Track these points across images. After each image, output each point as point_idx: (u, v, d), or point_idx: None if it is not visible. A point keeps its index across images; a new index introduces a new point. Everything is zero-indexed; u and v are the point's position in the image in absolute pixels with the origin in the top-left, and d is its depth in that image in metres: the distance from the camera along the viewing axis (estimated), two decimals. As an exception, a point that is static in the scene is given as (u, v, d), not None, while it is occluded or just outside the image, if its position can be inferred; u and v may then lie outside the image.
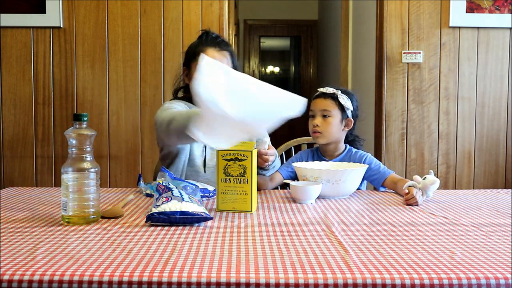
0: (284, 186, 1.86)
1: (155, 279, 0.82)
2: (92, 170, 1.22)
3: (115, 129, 2.95)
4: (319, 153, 1.91)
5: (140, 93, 2.94)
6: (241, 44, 7.31)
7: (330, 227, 1.19)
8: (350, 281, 0.82)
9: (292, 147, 2.32)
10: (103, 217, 1.27)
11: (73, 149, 1.22)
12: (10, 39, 2.90)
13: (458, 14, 2.97)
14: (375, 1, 3.17)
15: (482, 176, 3.08)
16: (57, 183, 2.93)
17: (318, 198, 1.56)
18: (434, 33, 3.00)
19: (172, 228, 1.16)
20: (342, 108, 1.83)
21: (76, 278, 0.83)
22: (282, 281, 0.82)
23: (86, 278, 0.83)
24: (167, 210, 1.18)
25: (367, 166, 1.69)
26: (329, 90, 1.84)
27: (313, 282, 0.82)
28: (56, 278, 0.83)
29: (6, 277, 0.83)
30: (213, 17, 2.91)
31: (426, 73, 3.02)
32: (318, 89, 1.89)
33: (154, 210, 1.20)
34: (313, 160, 1.86)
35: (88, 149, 1.23)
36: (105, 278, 0.82)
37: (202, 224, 1.21)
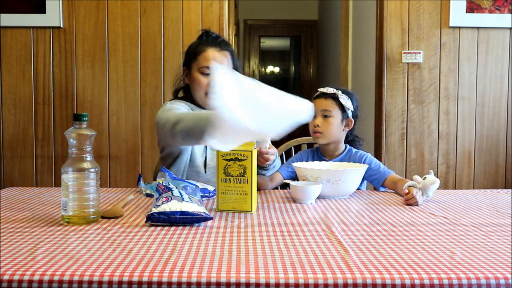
0: (284, 186, 1.86)
1: (155, 279, 0.82)
2: (92, 170, 1.22)
3: (115, 129, 2.95)
4: (319, 153, 1.91)
5: (140, 93, 2.94)
6: (241, 44, 7.31)
7: (330, 227, 1.19)
8: (350, 281, 0.82)
9: (292, 147, 2.32)
10: (103, 217, 1.27)
11: (73, 149, 1.22)
12: (10, 39, 2.90)
13: (458, 14, 2.97)
14: (375, 1, 3.17)
15: (482, 176, 3.08)
16: (57, 183, 2.93)
17: (318, 198, 1.56)
18: (434, 33, 3.00)
19: (172, 228, 1.16)
20: (342, 108, 1.83)
21: (76, 278, 0.83)
22: (282, 281, 0.82)
23: (86, 278, 0.83)
24: (167, 210, 1.18)
25: (367, 166, 1.69)
26: (330, 90, 1.84)
27: (313, 282, 0.82)
28: (56, 278, 0.83)
29: (6, 277, 0.83)
30: (213, 17, 2.91)
31: (426, 73, 3.02)
32: (319, 89, 1.89)
33: (154, 210, 1.20)
34: (313, 160, 1.86)
35: (88, 149, 1.23)
36: (105, 278, 0.82)
37: (202, 224, 1.21)
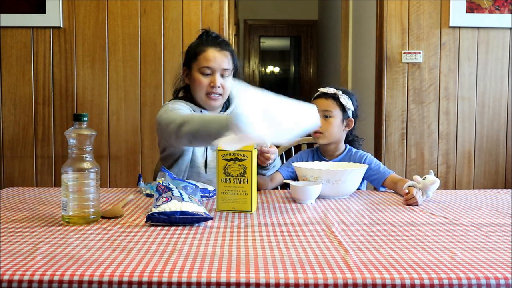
0: (284, 186, 1.86)
1: (155, 279, 0.82)
2: (92, 170, 1.22)
3: (115, 129, 2.95)
4: (319, 153, 1.91)
5: (140, 93, 2.94)
6: (241, 44, 7.31)
7: (330, 227, 1.19)
8: (350, 281, 0.82)
9: (292, 147, 2.32)
10: (103, 217, 1.27)
11: (73, 149, 1.22)
12: (10, 39, 2.90)
13: (458, 14, 2.97)
14: (375, 1, 3.17)
15: (482, 176, 3.08)
16: (57, 183, 2.93)
17: (318, 198, 1.56)
18: (434, 33, 3.00)
19: (172, 228, 1.16)
20: (343, 108, 1.83)
21: (76, 278, 0.83)
22: (282, 281, 0.82)
23: (86, 278, 0.83)
24: (167, 210, 1.18)
25: (367, 166, 1.69)
26: (330, 90, 1.84)
27: (313, 282, 0.82)
28: (56, 278, 0.83)
29: (6, 277, 0.83)
30: (213, 17, 2.91)
31: (426, 73, 3.02)
32: (319, 89, 1.89)
33: (154, 210, 1.20)
34: (313, 160, 1.86)
35: (88, 149, 1.23)
36: (105, 278, 0.82)
37: (202, 224, 1.21)
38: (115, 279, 0.82)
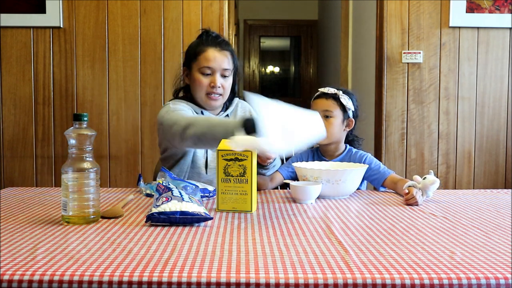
0: (284, 186, 1.86)
1: (155, 279, 0.82)
2: (92, 170, 1.22)
3: (115, 129, 2.95)
4: (319, 153, 1.91)
5: (140, 93, 2.94)
6: (241, 44, 7.31)
7: (330, 227, 1.19)
8: (350, 281, 0.82)
9: (292, 147, 2.31)
10: (103, 217, 1.27)
11: (73, 149, 1.22)
12: (10, 39, 2.90)
13: (458, 14, 2.97)
14: (375, 1, 3.17)
15: (482, 176, 3.08)
16: (57, 183, 2.93)
17: (318, 198, 1.56)
18: (434, 33, 3.00)
19: (172, 228, 1.16)
20: (343, 108, 1.83)
21: (76, 278, 0.83)
22: (282, 281, 0.82)
23: (86, 278, 0.83)
24: (167, 210, 1.18)
25: (367, 166, 1.69)
26: (331, 90, 1.84)
27: (313, 282, 0.82)
28: (56, 278, 0.83)
29: (6, 277, 0.83)
30: (213, 17, 2.91)
31: (426, 73, 3.02)
32: (319, 89, 1.88)
33: (154, 210, 1.20)
34: (313, 160, 1.86)
35: (88, 149, 1.23)
36: (105, 278, 0.82)
37: (202, 224, 1.21)
38: (115, 279, 0.82)
